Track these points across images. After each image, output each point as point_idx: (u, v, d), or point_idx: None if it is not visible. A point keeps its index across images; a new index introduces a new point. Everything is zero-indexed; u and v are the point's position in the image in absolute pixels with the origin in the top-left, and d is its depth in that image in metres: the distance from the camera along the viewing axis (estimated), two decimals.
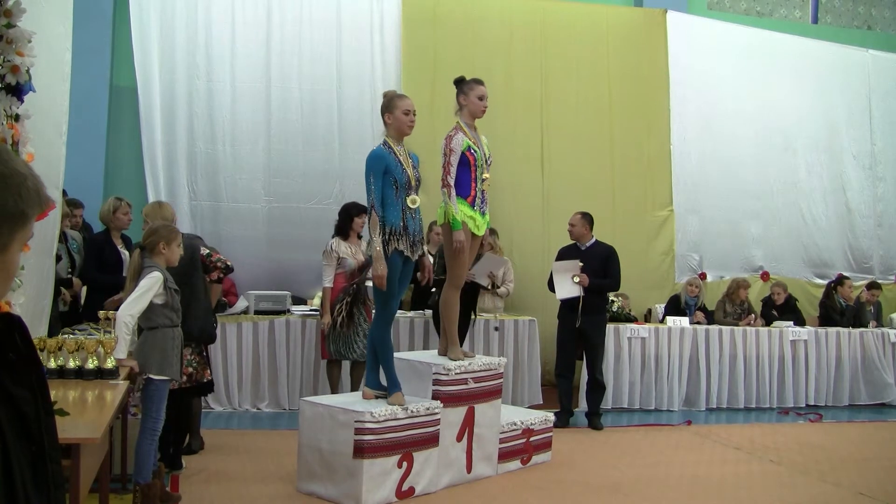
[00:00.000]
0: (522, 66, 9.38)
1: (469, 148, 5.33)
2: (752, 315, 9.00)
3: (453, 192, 5.30)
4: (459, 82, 5.52)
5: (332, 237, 7.12)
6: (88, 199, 7.38)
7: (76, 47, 7.35)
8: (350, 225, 7.08)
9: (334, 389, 7.01)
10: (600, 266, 7.19)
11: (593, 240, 7.36)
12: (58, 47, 5.86)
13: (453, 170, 5.30)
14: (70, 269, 6.29)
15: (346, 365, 7.15)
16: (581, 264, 7.13)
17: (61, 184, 5.75)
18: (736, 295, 9.08)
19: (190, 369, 5.31)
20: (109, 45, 8.57)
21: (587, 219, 7.37)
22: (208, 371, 5.52)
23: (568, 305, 7.23)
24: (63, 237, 6.31)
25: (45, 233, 5.05)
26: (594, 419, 7.31)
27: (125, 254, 6.34)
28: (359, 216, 6.98)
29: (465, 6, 9.34)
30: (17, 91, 2.44)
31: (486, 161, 5.45)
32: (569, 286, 7.15)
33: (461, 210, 5.33)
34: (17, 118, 2.46)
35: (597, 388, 7.35)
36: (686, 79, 9.85)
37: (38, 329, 4.82)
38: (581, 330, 7.16)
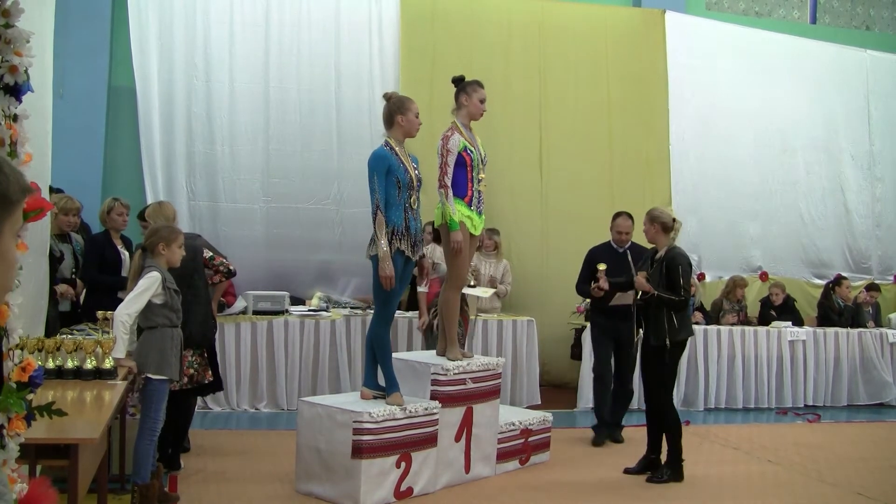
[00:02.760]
0: (521, 66, 9.38)
1: (465, 148, 5.34)
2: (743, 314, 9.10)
3: (450, 193, 5.32)
4: (460, 81, 5.53)
5: (429, 243, 7.17)
6: (87, 199, 7.36)
7: (75, 48, 7.37)
8: None
9: None
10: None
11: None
12: (46, 43, 5.90)
13: (450, 170, 5.31)
14: (74, 270, 6.27)
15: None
16: (604, 268, 6.32)
17: (48, 181, 5.75)
18: (733, 294, 9.12)
19: (191, 370, 5.31)
20: (108, 46, 8.57)
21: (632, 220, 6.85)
22: (209, 372, 5.52)
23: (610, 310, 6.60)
24: (68, 238, 6.31)
25: (40, 232, 5.05)
26: (617, 431, 6.80)
27: (125, 254, 6.35)
28: None
29: (464, 6, 9.34)
30: (16, 91, 2.44)
31: (482, 161, 5.46)
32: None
33: (458, 210, 5.34)
34: (15, 118, 2.46)
35: (626, 396, 6.80)
36: (684, 79, 9.85)
37: (35, 329, 4.81)
38: (618, 336, 6.58)
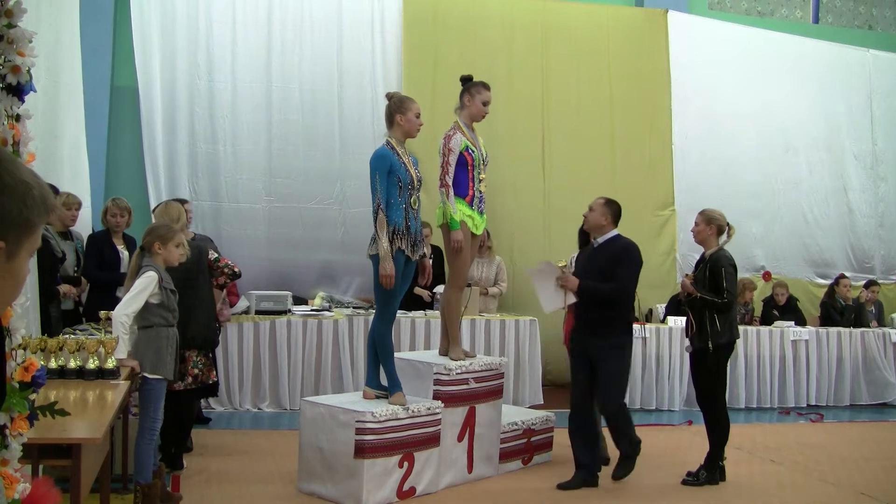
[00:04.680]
0: (523, 65, 9.38)
1: (467, 148, 5.34)
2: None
3: (451, 192, 5.31)
4: (467, 81, 5.51)
5: (580, 250, 6.27)
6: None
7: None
8: (588, 237, 6.21)
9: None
10: (608, 266, 5.41)
11: (612, 234, 5.52)
12: (73, 46, 5.97)
13: (451, 169, 5.31)
14: (76, 268, 6.34)
15: None
16: (564, 264, 5.66)
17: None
18: (741, 296, 9.11)
19: (196, 371, 5.31)
20: (110, 46, 8.57)
21: (611, 207, 5.53)
22: (214, 373, 5.52)
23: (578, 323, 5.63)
24: (69, 235, 6.37)
25: None
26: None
27: (125, 254, 6.37)
28: None
29: (466, 6, 9.34)
30: (18, 91, 2.44)
31: (483, 161, 5.46)
32: (553, 294, 5.53)
33: (460, 209, 5.34)
34: (17, 118, 2.46)
35: (613, 432, 5.58)
36: (687, 79, 9.84)
37: (30, 327, 4.79)
38: (589, 354, 5.44)
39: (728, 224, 5.77)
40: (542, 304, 5.67)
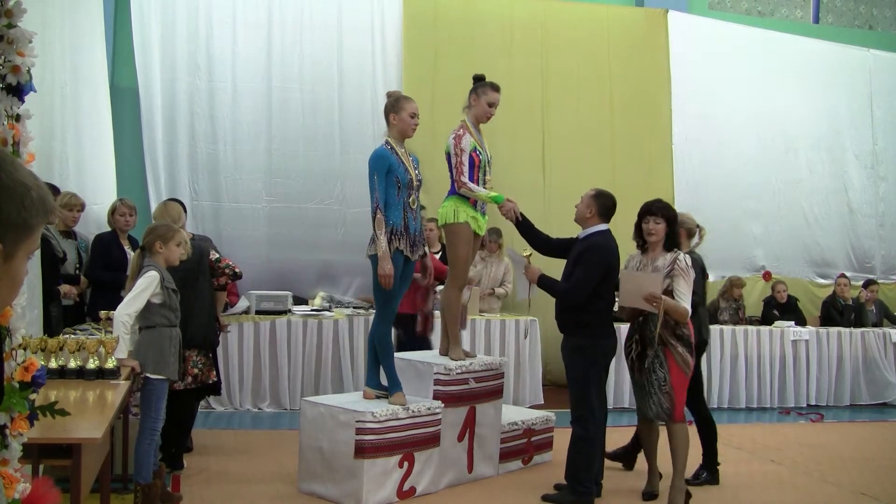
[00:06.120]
0: (523, 66, 9.37)
1: (475, 149, 5.33)
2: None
3: (472, 185, 5.27)
4: (477, 80, 5.50)
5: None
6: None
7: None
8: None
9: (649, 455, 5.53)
10: (571, 264, 5.13)
11: (594, 229, 5.11)
12: (97, 38, 5.99)
13: (466, 168, 5.28)
14: (78, 267, 6.34)
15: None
16: (529, 253, 5.40)
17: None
18: (730, 293, 9.17)
19: (196, 370, 5.31)
20: (111, 46, 8.56)
21: (598, 199, 5.13)
22: (214, 372, 5.52)
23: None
24: (72, 235, 6.38)
25: None
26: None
27: (132, 254, 6.37)
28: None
29: (466, 7, 9.34)
30: (18, 91, 2.44)
31: (488, 163, 5.45)
32: (523, 282, 5.41)
33: (464, 210, 5.32)
34: (17, 118, 2.46)
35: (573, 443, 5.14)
36: (687, 79, 9.84)
37: (30, 328, 4.78)
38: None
39: (699, 226, 5.72)
40: (517, 291, 5.67)
